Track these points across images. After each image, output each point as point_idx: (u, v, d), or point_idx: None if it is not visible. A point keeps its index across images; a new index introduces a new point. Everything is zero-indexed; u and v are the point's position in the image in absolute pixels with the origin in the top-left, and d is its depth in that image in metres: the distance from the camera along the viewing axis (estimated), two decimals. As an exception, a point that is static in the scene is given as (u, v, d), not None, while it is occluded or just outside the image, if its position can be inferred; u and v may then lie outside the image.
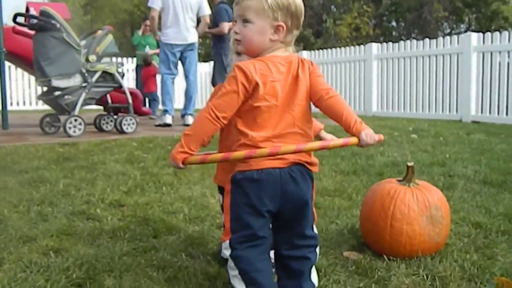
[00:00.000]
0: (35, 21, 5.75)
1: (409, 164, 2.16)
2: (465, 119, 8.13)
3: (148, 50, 9.83)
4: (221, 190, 2.03)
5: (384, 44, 9.93)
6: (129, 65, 13.85)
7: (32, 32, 5.91)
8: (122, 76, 6.37)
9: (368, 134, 1.47)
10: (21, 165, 3.80)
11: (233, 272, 1.69)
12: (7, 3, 6.80)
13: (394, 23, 27.25)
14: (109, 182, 3.38)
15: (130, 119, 6.12)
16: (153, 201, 2.95)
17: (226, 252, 1.81)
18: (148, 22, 9.65)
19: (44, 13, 5.70)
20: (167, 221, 2.55)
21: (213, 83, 8.64)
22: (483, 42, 8.02)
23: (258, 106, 1.50)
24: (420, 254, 2.03)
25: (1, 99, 6.78)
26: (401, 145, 4.93)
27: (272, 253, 1.63)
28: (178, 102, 11.98)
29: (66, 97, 5.75)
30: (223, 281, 1.83)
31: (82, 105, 5.89)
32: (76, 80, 5.80)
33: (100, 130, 6.45)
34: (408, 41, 9.49)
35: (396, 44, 9.61)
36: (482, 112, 8.08)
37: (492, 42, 7.87)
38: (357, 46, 10.63)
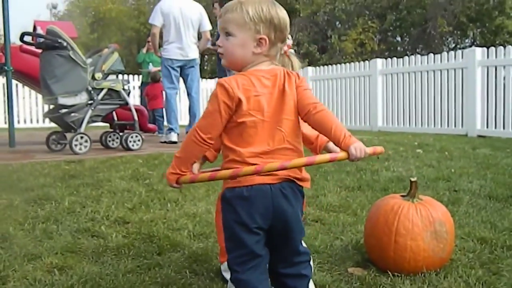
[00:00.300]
0: (42, 40, 5.82)
1: (413, 179, 2.16)
2: (470, 133, 8.11)
3: (152, 68, 9.91)
4: None
5: (389, 59, 9.98)
6: (135, 83, 13.96)
7: (39, 50, 5.97)
8: (128, 93, 6.42)
9: (357, 148, 1.42)
10: (27, 183, 3.81)
11: None
12: (15, 22, 6.87)
13: (398, 38, 27.33)
14: (114, 199, 3.38)
15: (136, 136, 6.15)
16: (157, 218, 2.95)
17: (226, 275, 1.80)
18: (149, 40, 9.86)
19: (50, 32, 5.77)
20: (171, 237, 2.55)
21: None
22: (488, 56, 8.04)
23: (243, 121, 1.48)
24: (425, 270, 2.02)
25: (8, 118, 6.84)
26: (406, 160, 4.92)
27: None
28: (185, 118, 12.02)
29: (72, 114, 5.79)
30: (227, 298, 1.82)
31: (88, 122, 5.92)
32: (82, 98, 5.84)
33: (106, 147, 6.48)
34: (413, 56, 9.54)
35: (401, 59, 9.65)
36: (487, 127, 8.06)
37: (496, 56, 7.88)
38: (362, 62, 10.68)
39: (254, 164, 1.45)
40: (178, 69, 7.16)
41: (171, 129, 7.12)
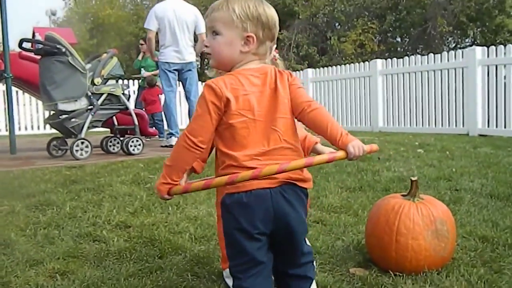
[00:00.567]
0: (41, 46, 5.83)
1: (413, 178, 2.16)
2: (472, 132, 8.10)
3: (144, 73, 9.92)
4: None
5: (389, 60, 9.98)
6: (135, 87, 13.96)
7: (38, 57, 5.98)
8: (128, 98, 6.42)
9: (356, 146, 1.40)
10: (28, 189, 3.82)
11: None
12: (14, 29, 6.89)
13: (398, 39, 27.32)
14: (115, 204, 3.39)
15: (137, 141, 6.15)
16: (159, 221, 2.95)
17: (228, 281, 1.79)
18: (142, 43, 9.94)
19: (49, 38, 5.78)
20: (173, 241, 2.56)
21: None
22: (488, 55, 8.03)
23: (233, 122, 1.44)
24: (426, 269, 2.02)
25: (9, 124, 6.86)
26: (407, 160, 4.91)
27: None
28: (185, 122, 12.04)
29: (72, 120, 5.80)
30: (228, 301, 1.82)
31: (89, 127, 5.93)
32: (82, 103, 5.85)
33: (107, 152, 6.49)
34: (413, 57, 9.54)
35: (401, 59, 9.65)
36: (488, 126, 8.05)
37: (496, 55, 7.87)
38: (362, 63, 10.68)
39: (251, 168, 1.41)
40: (176, 72, 7.15)
41: (171, 134, 7.12)
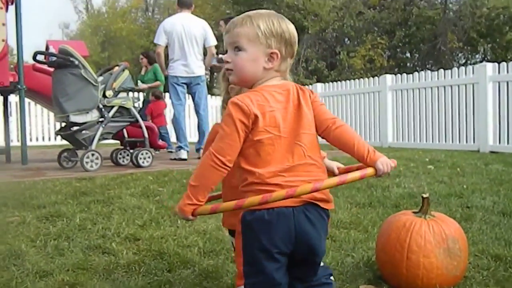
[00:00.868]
0: (54, 58, 5.90)
1: (425, 195, 2.14)
2: (482, 149, 8.04)
3: (141, 85, 9.98)
4: (231, 232, 1.92)
5: (399, 75, 9.96)
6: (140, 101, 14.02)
7: (52, 69, 6.05)
8: (139, 111, 6.47)
9: (384, 163, 1.41)
10: (39, 200, 3.84)
11: None
12: (28, 41, 6.99)
13: (408, 54, 27.37)
14: (124, 216, 3.39)
15: (146, 153, 6.18)
16: (168, 234, 2.95)
17: None
18: (142, 57, 10.08)
19: (62, 51, 5.85)
20: (182, 254, 2.55)
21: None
22: (499, 72, 8.00)
23: (260, 139, 1.42)
24: (438, 287, 1.99)
25: (20, 135, 6.92)
26: (417, 176, 4.88)
27: None
28: (194, 135, 12.07)
29: (83, 132, 5.84)
30: (238, 316, 1.81)
31: (99, 139, 5.97)
32: (93, 115, 5.90)
33: (117, 164, 6.52)
34: (423, 72, 9.52)
35: (411, 75, 9.63)
36: (500, 142, 7.99)
37: (508, 71, 7.84)
38: (371, 78, 10.67)
39: (275, 184, 1.39)
40: (184, 86, 7.20)
41: (180, 147, 7.14)
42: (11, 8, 6.86)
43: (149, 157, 6.18)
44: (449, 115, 8.81)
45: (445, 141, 8.89)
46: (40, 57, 6.28)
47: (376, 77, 10.49)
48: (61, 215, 3.40)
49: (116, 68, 6.39)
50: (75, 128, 5.81)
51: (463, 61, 25.93)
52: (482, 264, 2.34)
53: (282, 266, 1.46)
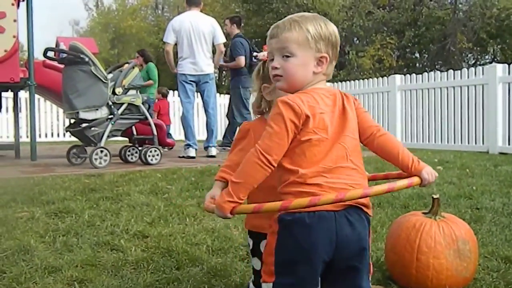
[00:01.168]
0: (64, 55, 5.92)
1: (435, 196, 2.13)
2: (492, 150, 7.99)
3: None
4: (252, 235, 1.85)
5: (408, 75, 9.92)
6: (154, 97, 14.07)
7: (62, 66, 6.08)
8: (148, 108, 6.48)
9: (429, 173, 1.43)
10: (48, 196, 3.86)
11: None
12: (38, 38, 7.02)
13: (417, 55, 27.24)
14: (133, 213, 3.40)
15: (155, 151, 6.19)
16: (176, 232, 2.95)
17: None
18: (138, 55, 10.15)
19: (73, 48, 5.87)
20: (190, 252, 2.55)
21: (228, 116, 8.77)
22: (509, 73, 7.95)
23: (308, 139, 1.39)
24: (448, 289, 1.99)
25: (30, 131, 6.95)
26: (426, 177, 4.85)
27: None
28: (202, 133, 12.08)
29: (92, 129, 5.86)
30: (246, 314, 1.81)
31: (108, 136, 5.99)
32: (102, 112, 5.91)
33: (125, 161, 6.53)
34: (432, 73, 9.46)
35: (420, 75, 9.58)
36: (509, 143, 7.93)
37: (517, 73, 7.79)
38: (380, 78, 10.63)
39: (315, 184, 1.36)
40: (193, 84, 7.21)
41: (189, 145, 7.14)
42: (22, 4, 6.90)
43: (157, 155, 6.19)
44: (458, 116, 8.76)
45: (454, 142, 8.84)
46: (51, 54, 6.30)
47: (385, 77, 10.45)
48: (70, 211, 3.41)
49: (126, 65, 6.41)
50: (84, 124, 5.83)
51: (473, 61, 25.78)
52: (492, 266, 2.33)
53: (318, 272, 1.41)
